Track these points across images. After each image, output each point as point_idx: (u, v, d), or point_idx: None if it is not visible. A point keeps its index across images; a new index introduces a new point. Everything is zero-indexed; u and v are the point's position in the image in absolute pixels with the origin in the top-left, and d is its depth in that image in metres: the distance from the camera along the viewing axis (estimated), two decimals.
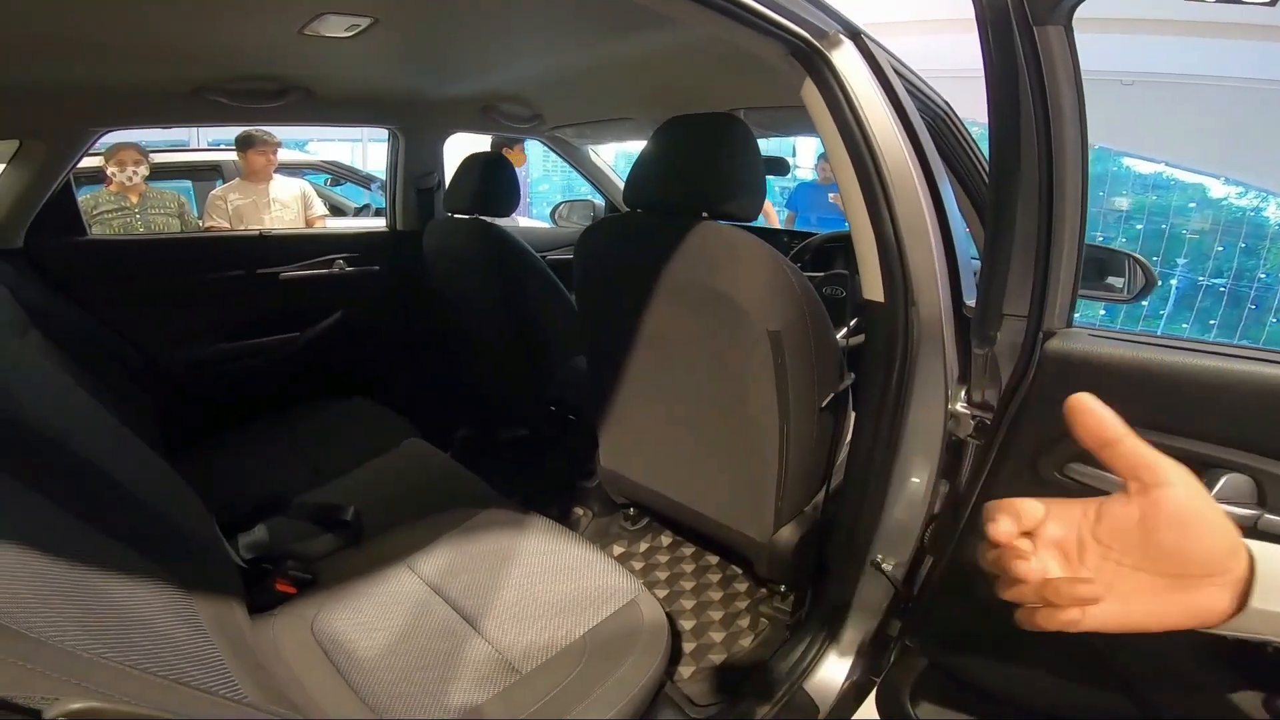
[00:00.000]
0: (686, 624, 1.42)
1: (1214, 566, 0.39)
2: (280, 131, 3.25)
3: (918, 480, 0.98)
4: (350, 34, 1.18)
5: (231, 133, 3.21)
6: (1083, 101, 0.70)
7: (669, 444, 1.30)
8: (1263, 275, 5.32)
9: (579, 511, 1.75)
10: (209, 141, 4.96)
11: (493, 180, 1.77)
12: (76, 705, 0.36)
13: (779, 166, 2.49)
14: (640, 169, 1.13)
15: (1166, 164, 5.51)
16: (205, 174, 3.84)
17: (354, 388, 1.89)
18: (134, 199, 2.91)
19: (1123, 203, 6.10)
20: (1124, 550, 0.39)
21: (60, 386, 0.93)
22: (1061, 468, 0.68)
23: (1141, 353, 0.66)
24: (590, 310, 1.34)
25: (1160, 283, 1.60)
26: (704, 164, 1.05)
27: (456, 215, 1.86)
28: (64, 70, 1.27)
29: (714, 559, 1.60)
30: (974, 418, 0.87)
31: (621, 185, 2.59)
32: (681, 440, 1.26)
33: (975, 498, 0.84)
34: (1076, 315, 0.75)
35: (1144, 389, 0.65)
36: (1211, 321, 5.48)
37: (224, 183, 3.42)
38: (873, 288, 0.90)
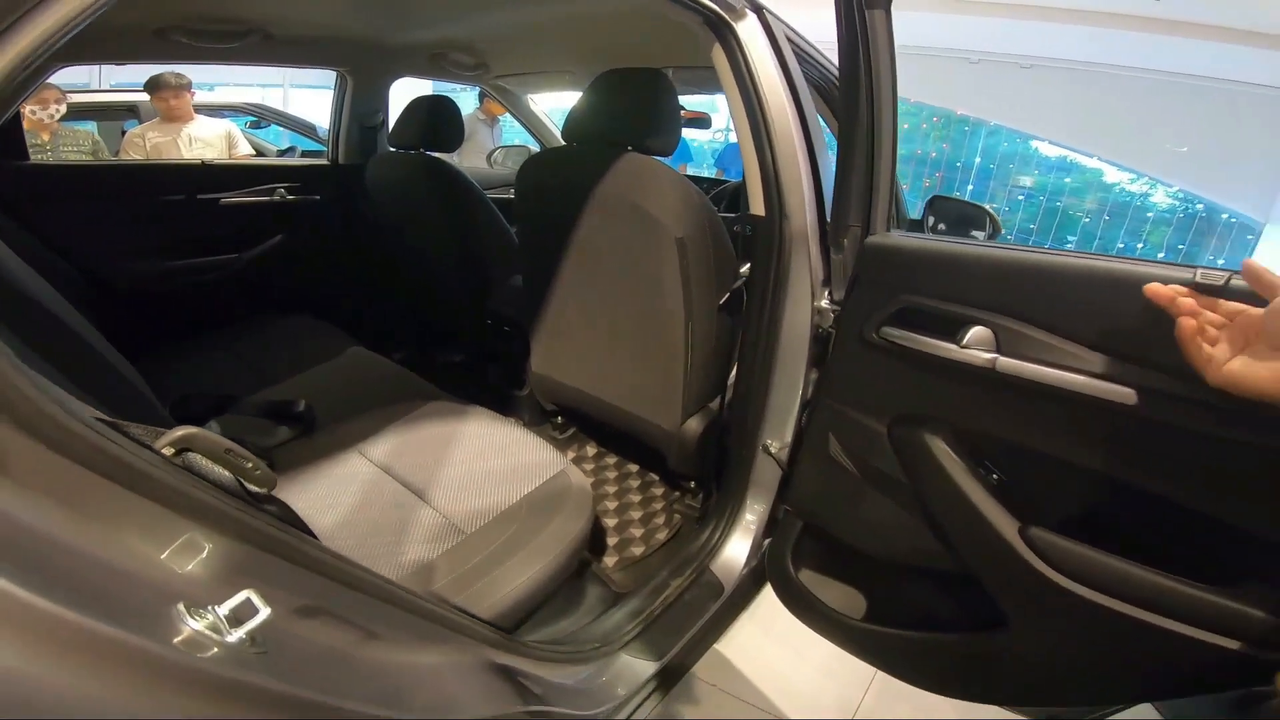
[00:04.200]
0: (610, 522, 1.58)
1: None
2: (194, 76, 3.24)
3: (794, 369, 1.19)
4: None
5: (139, 76, 3.17)
6: (895, 69, 0.94)
7: (593, 346, 1.49)
8: (1160, 254, 5.92)
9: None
10: (112, 83, 4.74)
11: (439, 119, 1.90)
12: (180, 433, 0.47)
13: (702, 122, 2.70)
14: (580, 109, 1.32)
15: (1049, 142, 5.96)
16: (118, 114, 3.76)
17: (298, 307, 1.99)
18: (45, 137, 2.89)
19: (1027, 180, 6.64)
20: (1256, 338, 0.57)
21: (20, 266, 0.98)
22: (878, 331, 0.92)
23: (927, 244, 0.91)
24: (529, 228, 1.52)
25: (1003, 230, 1.95)
26: (632, 106, 1.26)
27: (401, 150, 1.98)
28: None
29: (634, 466, 1.78)
30: (833, 311, 1.10)
31: (557, 133, 2.76)
32: (603, 341, 1.46)
33: (823, 370, 1.08)
34: None
35: (927, 270, 0.90)
36: None
37: (140, 123, 3.39)
38: (757, 206, 1.12)
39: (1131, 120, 5.12)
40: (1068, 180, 6.14)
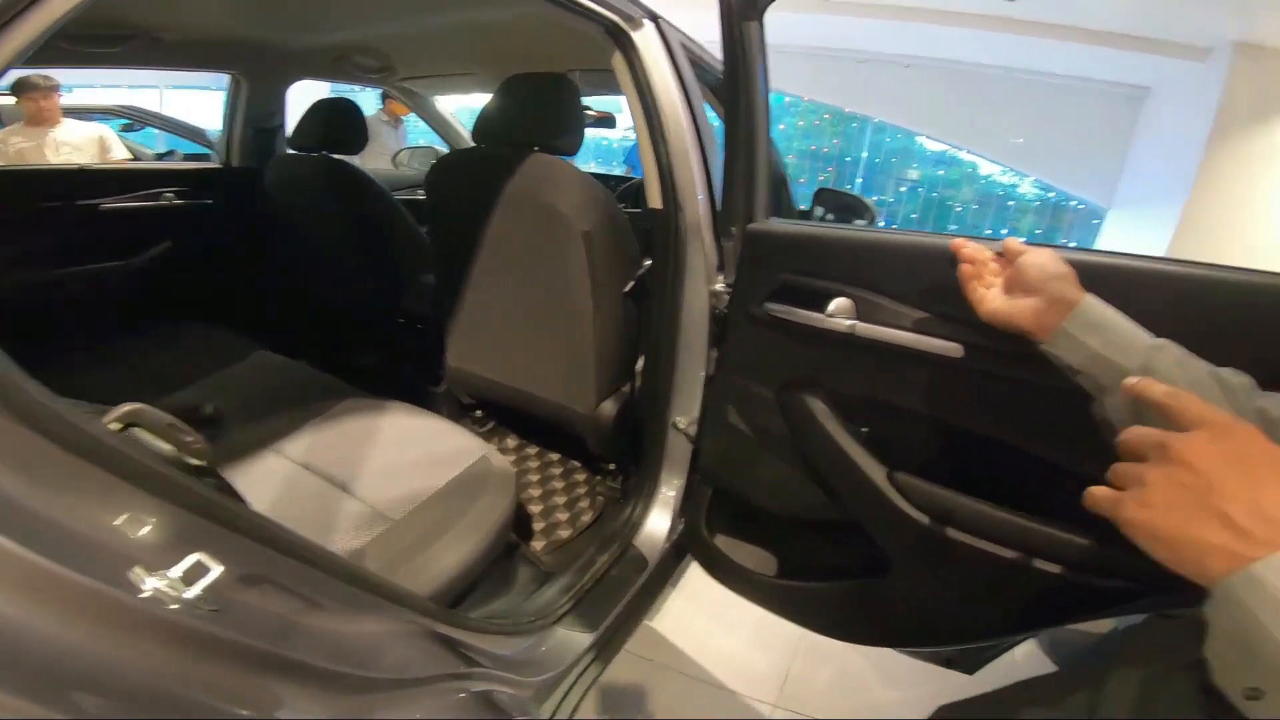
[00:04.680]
0: (536, 509, 1.62)
1: (1050, 291, 0.67)
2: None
3: (696, 349, 1.29)
4: None
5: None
6: (767, 74, 1.06)
7: (507, 338, 1.55)
8: (1004, 234, 6.51)
9: None
10: None
11: (342, 122, 1.90)
12: (126, 408, 0.51)
13: (607, 121, 2.80)
14: (489, 112, 1.38)
15: (928, 138, 6.44)
16: None
17: (196, 314, 1.93)
18: None
19: (913, 173, 7.14)
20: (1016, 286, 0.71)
21: None
22: (760, 306, 1.05)
23: (798, 229, 1.04)
24: (441, 227, 1.56)
25: (879, 217, 2.17)
26: (538, 109, 1.34)
27: (303, 153, 1.95)
28: None
29: (555, 455, 1.83)
30: (727, 293, 1.20)
31: (465, 134, 2.77)
32: (517, 333, 1.52)
33: (720, 346, 1.20)
34: None
35: (799, 251, 1.03)
36: None
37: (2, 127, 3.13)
38: (654, 200, 1.23)
39: (990, 115, 5.56)
40: (941, 173, 6.69)
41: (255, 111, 2.17)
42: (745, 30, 1.02)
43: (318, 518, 1.02)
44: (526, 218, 1.33)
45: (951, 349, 0.83)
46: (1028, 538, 0.85)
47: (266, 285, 2.32)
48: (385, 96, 3.81)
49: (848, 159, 6.87)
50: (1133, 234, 4.68)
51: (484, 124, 1.39)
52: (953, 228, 6.68)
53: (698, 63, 1.40)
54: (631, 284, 1.34)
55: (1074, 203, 5.74)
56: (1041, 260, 0.69)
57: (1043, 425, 0.83)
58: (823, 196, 2.14)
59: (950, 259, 0.78)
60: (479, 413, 1.91)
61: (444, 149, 3.01)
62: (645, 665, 1.60)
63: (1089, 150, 5.17)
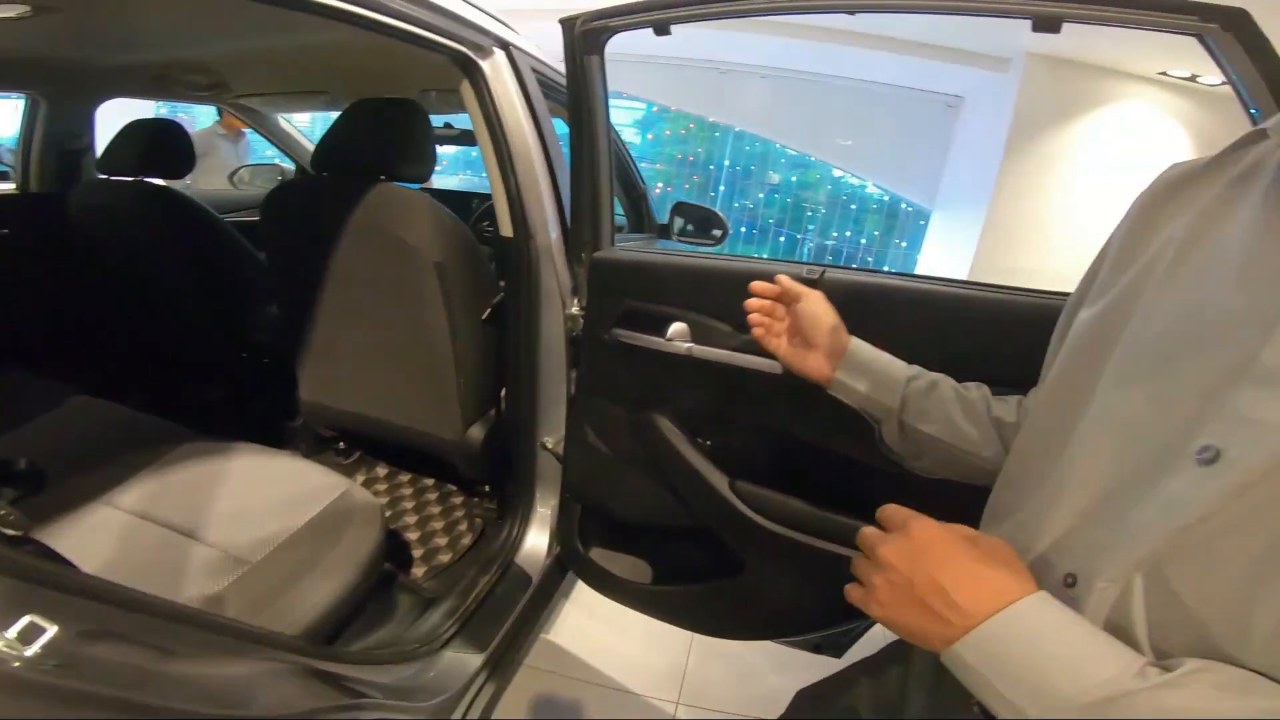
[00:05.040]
0: (413, 536, 1.61)
1: (825, 343, 0.76)
2: None
3: (556, 371, 1.33)
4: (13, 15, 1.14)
5: None
6: (607, 106, 1.12)
7: (364, 369, 1.51)
8: (864, 241, 7.10)
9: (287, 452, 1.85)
10: None
11: (162, 144, 1.76)
12: None
13: (470, 138, 2.77)
14: (330, 139, 1.34)
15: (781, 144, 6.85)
16: None
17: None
18: None
19: (774, 177, 7.57)
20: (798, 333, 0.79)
21: None
22: (609, 332, 1.11)
23: (638, 257, 1.12)
24: (283, 258, 1.49)
25: (731, 230, 2.31)
26: (385, 137, 1.31)
27: (115, 178, 1.77)
28: None
29: (429, 480, 1.81)
30: (582, 316, 1.26)
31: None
32: (375, 364, 1.49)
33: (578, 369, 1.25)
34: None
35: (640, 278, 1.10)
36: None
37: None
38: (505, 228, 1.25)
39: (831, 122, 6.01)
40: (794, 179, 7.17)
41: (58, 132, 1.94)
42: (587, 64, 1.07)
43: (165, 567, 0.96)
44: (375, 250, 1.31)
45: (773, 366, 0.93)
46: (845, 533, 0.96)
47: (83, 321, 2.08)
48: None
49: (711, 166, 7.18)
50: (952, 233, 5.25)
51: (325, 152, 1.35)
52: (811, 228, 7.18)
53: (552, 86, 1.42)
54: (489, 311, 1.35)
55: (904, 205, 6.37)
56: (815, 312, 0.78)
57: (856, 431, 0.95)
58: (680, 209, 2.25)
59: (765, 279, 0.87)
60: (342, 444, 1.84)
61: (290, 166, 2.84)
62: (547, 677, 1.62)
63: (915, 155, 5.76)
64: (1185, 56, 3.72)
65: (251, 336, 1.87)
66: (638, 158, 7.94)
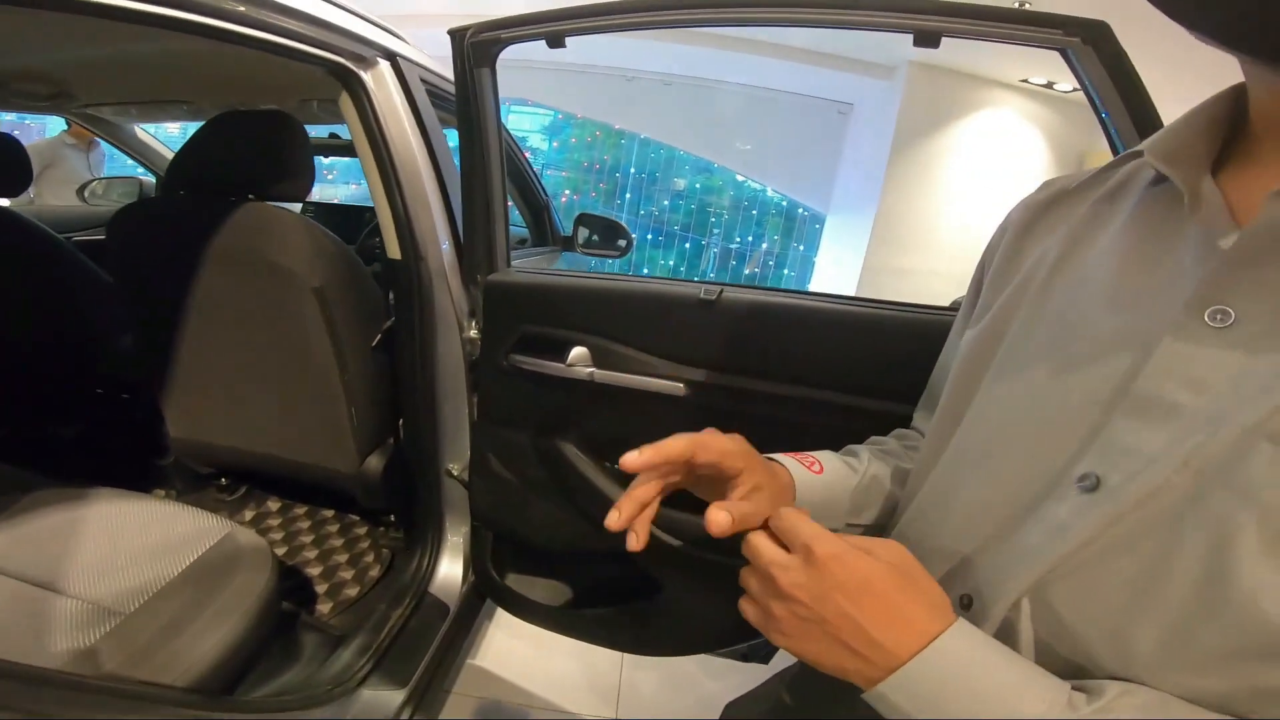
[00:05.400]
0: (315, 571, 1.51)
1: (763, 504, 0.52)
2: None
3: (456, 397, 1.27)
4: None
5: None
6: (499, 122, 1.07)
7: (241, 402, 1.40)
8: (765, 245, 7.33)
9: (160, 494, 1.69)
10: None
11: None
12: None
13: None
14: (187, 156, 1.21)
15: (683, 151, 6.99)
16: None
17: None
18: None
19: (679, 183, 7.70)
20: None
21: None
22: (507, 358, 1.07)
23: (534, 279, 1.08)
24: (137, 285, 1.35)
25: (637, 237, 2.31)
26: (254, 152, 1.20)
27: None
28: None
29: (329, 512, 1.70)
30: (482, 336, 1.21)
31: None
32: (254, 395, 1.37)
33: (477, 396, 1.20)
34: None
35: (537, 301, 1.07)
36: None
37: None
38: (393, 249, 1.18)
39: (731, 129, 6.17)
40: (698, 184, 7.33)
41: None
42: (478, 77, 1.02)
43: (21, 623, 0.88)
44: (246, 276, 1.20)
45: (674, 388, 0.93)
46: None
47: None
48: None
49: (618, 173, 7.22)
50: (845, 237, 5.51)
51: (182, 170, 1.22)
52: (716, 232, 7.35)
53: (446, 97, 1.35)
54: (379, 337, 1.27)
55: (801, 209, 6.66)
56: (727, 465, 0.55)
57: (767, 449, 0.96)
58: (584, 220, 2.23)
59: (669, 302, 0.86)
60: (224, 480, 1.70)
61: (150, 178, 2.58)
62: (479, 704, 1.56)
63: (810, 161, 6.01)
64: (1043, 65, 4.09)
65: (107, 369, 1.68)
66: (544, 165, 7.86)
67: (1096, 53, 0.73)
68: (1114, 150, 0.79)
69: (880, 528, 0.63)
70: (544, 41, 0.93)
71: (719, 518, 0.47)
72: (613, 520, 0.53)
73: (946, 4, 0.75)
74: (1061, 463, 0.42)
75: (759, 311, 0.93)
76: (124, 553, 1.00)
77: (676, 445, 0.53)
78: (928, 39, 0.76)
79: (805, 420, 0.92)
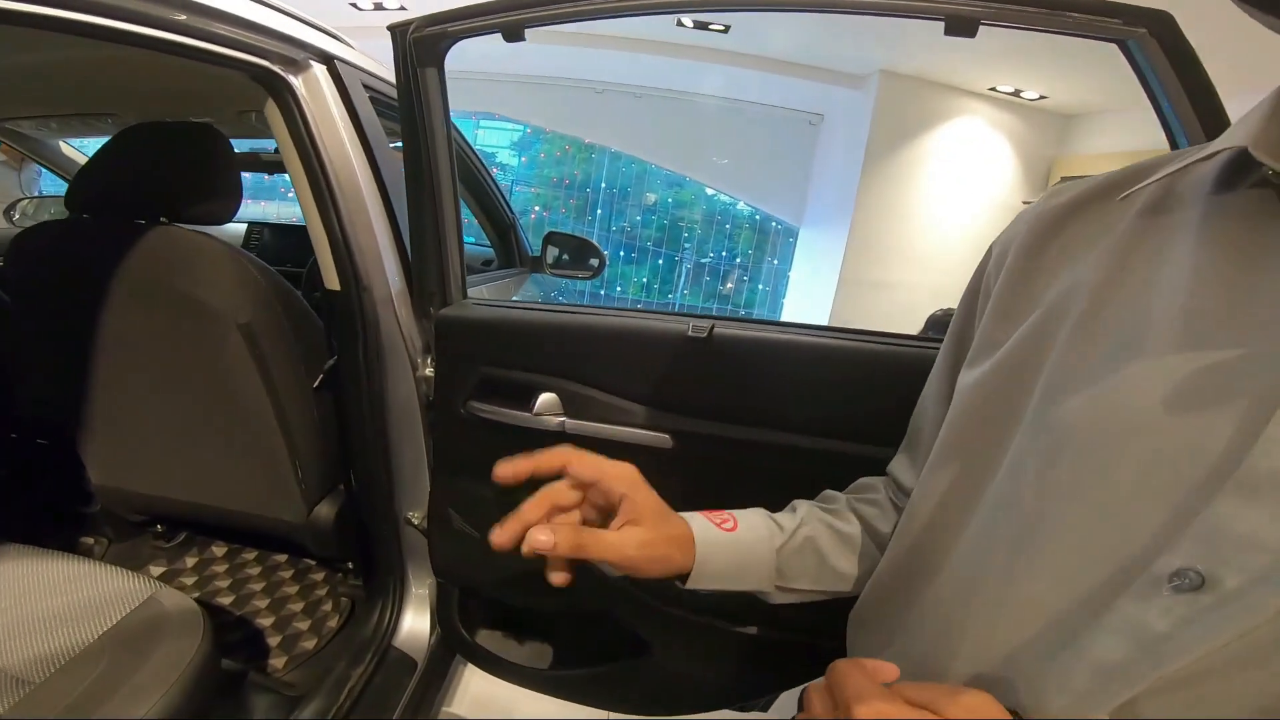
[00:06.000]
0: (266, 621, 1.39)
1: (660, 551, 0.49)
2: None
3: (413, 439, 1.13)
4: None
5: None
6: (449, 130, 0.93)
7: (169, 447, 1.25)
8: (738, 259, 7.28)
9: (89, 542, 1.53)
10: None
11: None
12: None
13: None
14: (93, 173, 1.07)
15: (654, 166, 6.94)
16: None
17: None
18: None
19: (650, 198, 7.63)
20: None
21: None
22: (465, 405, 0.92)
23: (494, 314, 0.94)
24: (43, 321, 1.19)
25: (609, 256, 2.19)
26: (170, 171, 1.05)
27: None
28: None
29: (282, 557, 1.56)
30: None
31: None
32: (181, 441, 1.23)
33: (434, 445, 1.05)
34: None
35: (497, 340, 0.93)
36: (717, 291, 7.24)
37: None
38: (331, 279, 1.03)
39: (703, 141, 6.12)
40: (670, 198, 7.26)
41: None
42: (424, 78, 0.89)
43: None
44: (160, 309, 1.05)
45: (662, 440, 0.79)
46: (753, 613, 0.86)
47: None
48: None
49: (589, 189, 7.10)
50: (820, 250, 5.46)
51: (88, 187, 1.07)
52: (687, 247, 7.27)
53: (390, 108, 1.20)
54: (320, 378, 1.12)
55: (774, 223, 6.60)
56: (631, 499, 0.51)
57: (761, 502, 0.84)
58: (553, 239, 2.10)
59: (651, 340, 0.74)
60: (160, 527, 1.54)
61: None
62: None
63: (782, 173, 5.96)
64: (1010, 72, 4.10)
65: (23, 412, 1.50)
66: (514, 181, 7.75)
67: (1161, 45, 0.63)
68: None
69: (823, 594, 0.58)
70: (500, 35, 0.79)
71: (538, 538, 0.44)
72: (495, 535, 0.48)
73: None
74: (1135, 552, 0.34)
75: (760, 350, 0.80)
76: (34, 615, 0.89)
77: (551, 455, 0.50)
78: (963, 27, 0.65)
79: (816, 472, 0.80)
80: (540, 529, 0.45)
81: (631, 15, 0.73)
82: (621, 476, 0.50)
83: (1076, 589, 0.36)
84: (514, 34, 0.79)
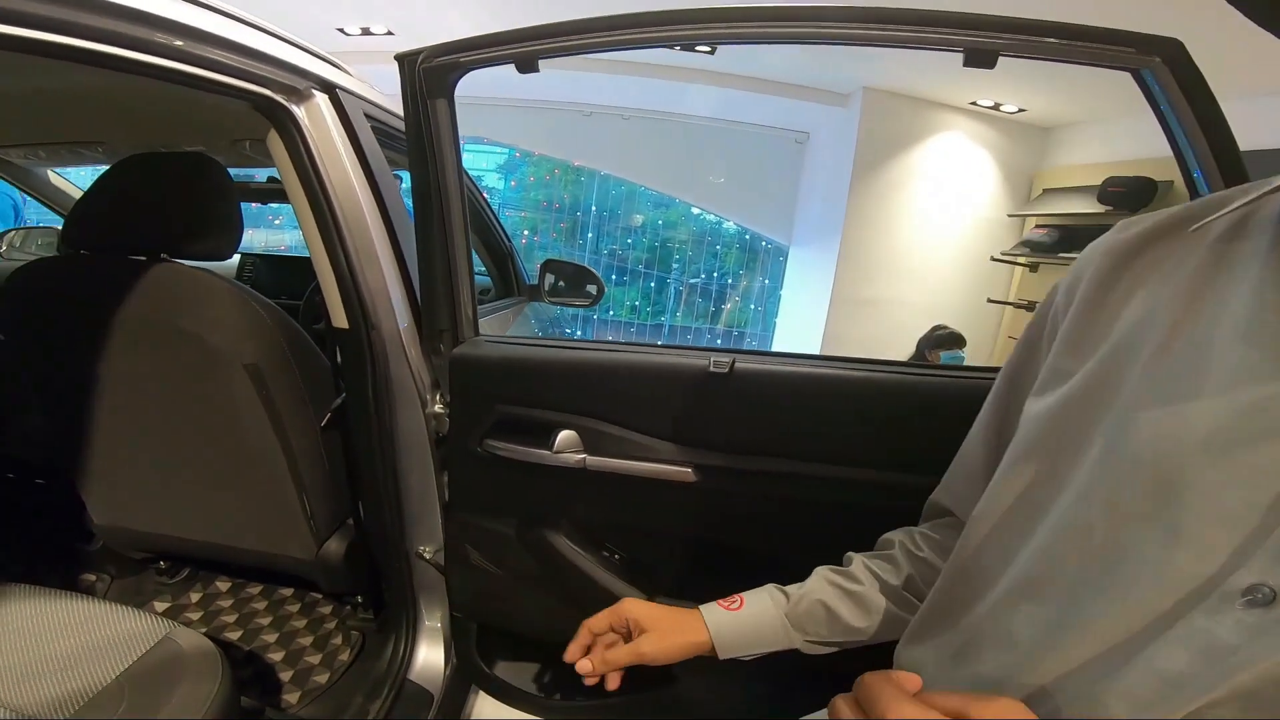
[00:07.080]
0: (276, 656, 1.37)
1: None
2: None
3: (423, 475, 1.11)
4: None
5: None
6: (459, 161, 0.92)
7: (173, 486, 1.22)
8: (729, 279, 7.28)
9: (91, 578, 1.50)
10: None
11: None
12: None
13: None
14: (90, 209, 1.04)
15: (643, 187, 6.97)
16: None
17: None
18: None
19: (637, 219, 7.65)
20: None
21: None
22: (480, 443, 0.90)
23: (508, 351, 0.92)
24: (42, 361, 1.16)
25: (607, 289, 2.19)
26: (168, 206, 1.02)
27: None
28: None
29: (288, 590, 1.53)
30: (449, 415, 1.04)
31: None
32: (186, 480, 1.20)
33: (449, 483, 1.03)
34: None
35: (513, 378, 0.91)
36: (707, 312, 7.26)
37: None
38: (338, 317, 1.00)
39: (691, 162, 6.15)
40: (659, 221, 7.29)
41: None
42: (434, 110, 0.87)
43: None
44: (162, 350, 1.02)
45: (682, 474, 0.78)
46: None
47: None
48: None
49: (579, 212, 7.10)
50: (810, 268, 5.46)
51: (84, 223, 1.03)
52: (675, 266, 7.27)
53: (396, 135, 1.19)
54: (328, 416, 1.09)
55: (764, 242, 6.64)
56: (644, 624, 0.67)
57: (786, 534, 0.82)
58: (550, 267, 2.09)
59: (671, 376, 0.73)
60: (163, 563, 1.51)
61: None
62: None
63: (769, 193, 6.00)
64: (990, 87, 4.16)
65: (15, 452, 1.48)
66: (501, 205, 7.72)
67: (1174, 73, 0.63)
68: (1187, 180, 0.69)
69: (840, 644, 0.65)
70: (514, 66, 0.78)
71: (583, 665, 0.66)
72: (584, 668, 0.67)
73: (1002, 19, 0.65)
74: (1210, 572, 0.35)
75: (783, 384, 0.79)
76: (48, 656, 0.88)
77: (599, 621, 0.68)
78: (982, 59, 0.65)
79: (841, 501, 0.79)
80: (582, 662, 0.66)
81: (647, 46, 0.73)
82: (644, 616, 0.67)
83: (1146, 612, 0.37)
84: (527, 65, 0.79)
